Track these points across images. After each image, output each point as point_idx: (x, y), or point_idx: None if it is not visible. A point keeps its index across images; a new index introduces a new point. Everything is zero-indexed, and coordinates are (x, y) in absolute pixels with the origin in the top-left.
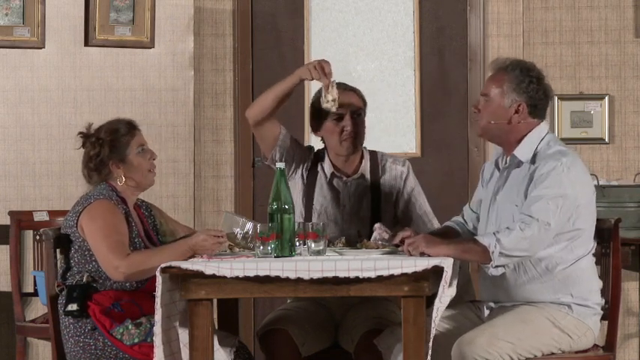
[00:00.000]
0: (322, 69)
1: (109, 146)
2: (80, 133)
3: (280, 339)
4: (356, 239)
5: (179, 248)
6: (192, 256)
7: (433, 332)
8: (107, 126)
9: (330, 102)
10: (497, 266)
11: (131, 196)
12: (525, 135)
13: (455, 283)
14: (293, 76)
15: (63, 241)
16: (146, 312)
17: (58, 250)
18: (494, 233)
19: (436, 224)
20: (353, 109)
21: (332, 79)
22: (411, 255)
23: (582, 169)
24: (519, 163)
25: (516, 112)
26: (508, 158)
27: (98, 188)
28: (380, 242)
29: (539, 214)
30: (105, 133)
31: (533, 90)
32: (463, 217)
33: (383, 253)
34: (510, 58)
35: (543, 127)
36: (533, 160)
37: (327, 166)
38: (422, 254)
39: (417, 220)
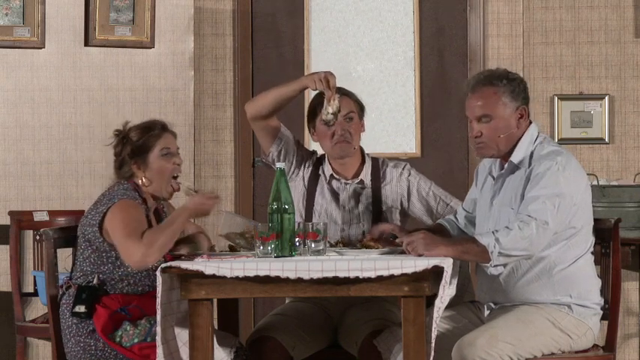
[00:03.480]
0: (327, 82)
1: (131, 146)
2: (116, 130)
3: (268, 346)
4: (359, 239)
5: (182, 214)
6: (193, 256)
7: (435, 332)
8: (138, 125)
9: (330, 115)
10: (496, 265)
11: (150, 200)
12: (519, 139)
13: (455, 282)
14: (298, 82)
15: (73, 240)
16: (147, 314)
17: (59, 250)
18: (493, 232)
19: (456, 202)
20: (344, 113)
21: (335, 94)
22: (407, 252)
23: (577, 167)
24: (515, 169)
25: (521, 116)
26: (505, 165)
27: (121, 188)
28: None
29: (537, 213)
30: (133, 133)
31: (522, 92)
32: (455, 216)
33: (383, 253)
34: (484, 73)
35: (533, 128)
36: (528, 163)
37: (326, 168)
38: (420, 255)
39: (439, 209)
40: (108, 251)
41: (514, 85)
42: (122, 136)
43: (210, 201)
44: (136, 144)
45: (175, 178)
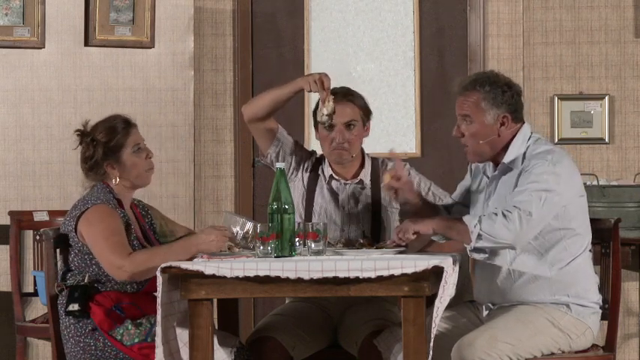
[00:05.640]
0: (322, 83)
1: (103, 148)
2: (77, 130)
3: (268, 346)
4: (360, 240)
5: (184, 245)
6: (193, 256)
7: (434, 332)
8: (103, 125)
9: (324, 116)
10: (476, 248)
11: (127, 195)
12: (510, 141)
13: (454, 283)
14: (293, 84)
15: (63, 242)
16: (147, 313)
17: (58, 251)
18: (479, 216)
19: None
20: (345, 121)
21: (330, 95)
22: (401, 240)
23: (569, 166)
24: (507, 170)
25: (502, 124)
26: (499, 166)
27: (95, 191)
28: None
29: (522, 204)
30: (100, 134)
31: (508, 98)
32: (445, 207)
33: (383, 253)
34: (472, 76)
35: (526, 128)
36: (521, 162)
37: (326, 169)
38: (414, 233)
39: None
40: (89, 253)
41: (496, 93)
42: (90, 139)
43: (221, 238)
44: (108, 145)
45: (147, 170)
